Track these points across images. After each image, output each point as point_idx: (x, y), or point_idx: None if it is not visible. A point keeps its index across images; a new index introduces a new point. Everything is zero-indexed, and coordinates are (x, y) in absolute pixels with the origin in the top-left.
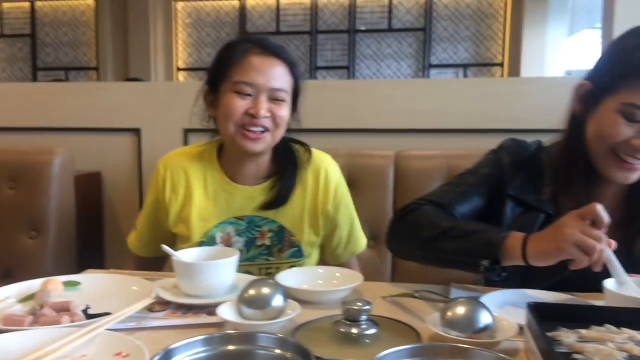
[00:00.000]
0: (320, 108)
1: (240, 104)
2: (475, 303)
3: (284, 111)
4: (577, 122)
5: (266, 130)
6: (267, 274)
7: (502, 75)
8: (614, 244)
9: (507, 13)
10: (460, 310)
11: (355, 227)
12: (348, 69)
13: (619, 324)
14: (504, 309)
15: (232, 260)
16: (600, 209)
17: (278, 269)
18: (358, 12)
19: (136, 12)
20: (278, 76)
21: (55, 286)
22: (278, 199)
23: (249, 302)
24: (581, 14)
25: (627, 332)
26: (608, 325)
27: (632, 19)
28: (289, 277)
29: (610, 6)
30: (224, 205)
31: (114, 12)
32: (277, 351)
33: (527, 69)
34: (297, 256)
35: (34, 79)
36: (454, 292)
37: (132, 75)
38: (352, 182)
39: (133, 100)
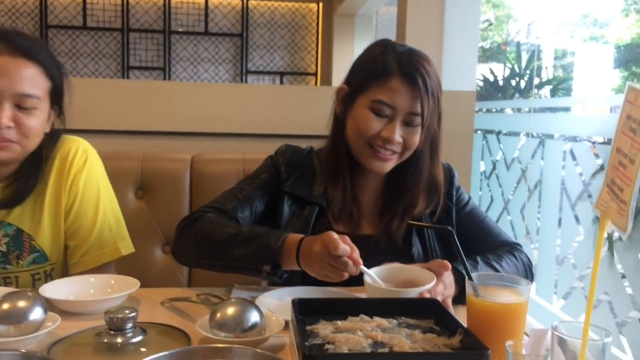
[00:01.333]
0: (114, 109)
1: None
2: (244, 303)
3: (34, 120)
4: (338, 122)
5: (11, 141)
6: (7, 284)
7: (316, 84)
8: (360, 261)
9: (319, 26)
10: (230, 310)
11: (108, 230)
12: (164, 71)
13: (372, 313)
14: (278, 307)
15: None
16: (340, 245)
17: (18, 278)
18: (173, 13)
19: None
20: (27, 80)
21: None
22: (12, 198)
23: (2, 317)
24: (383, 31)
25: (378, 320)
26: (363, 315)
27: (419, 34)
28: (54, 288)
29: (402, 25)
30: None
31: None
32: None
33: (338, 79)
34: (40, 261)
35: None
36: (235, 293)
37: None
38: (147, 186)
39: None
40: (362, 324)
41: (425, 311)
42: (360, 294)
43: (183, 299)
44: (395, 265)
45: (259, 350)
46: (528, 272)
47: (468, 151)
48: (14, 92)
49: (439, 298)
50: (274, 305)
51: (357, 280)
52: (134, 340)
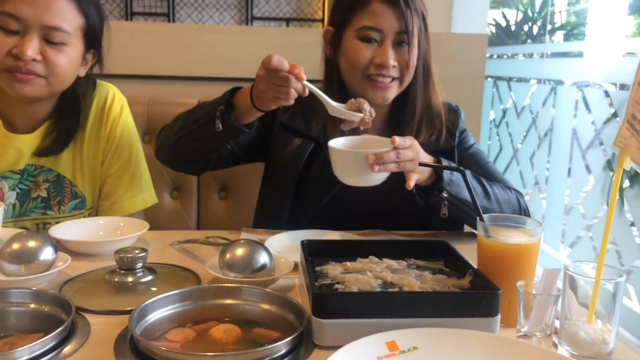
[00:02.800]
0: (120, 52)
1: (2, 42)
2: (253, 244)
3: (63, 58)
4: (330, 63)
5: (38, 75)
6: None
7: None
8: (302, 73)
9: None
10: (239, 252)
11: (139, 179)
12: (168, 16)
13: (381, 255)
14: (286, 249)
15: None
16: (273, 58)
17: (58, 224)
18: None
19: None
20: (56, 12)
21: None
22: (55, 144)
23: (12, 257)
24: None
25: (387, 261)
26: (372, 257)
27: None
28: (64, 229)
29: None
30: None
31: None
32: (32, 306)
33: None
34: (80, 207)
35: None
36: (244, 236)
37: None
38: (154, 131)
39: None
40: (372, 265)
41: (435, 253)
42: (368, 237)
43: (192, 241)
44: (369, 136)
45: (268, 290)
46: (521, 213)
47: (478, 97)
48: (41, 24)
49: (392, 167)
50: (282, 247)
51: (365, 224)
52: (144, 279)
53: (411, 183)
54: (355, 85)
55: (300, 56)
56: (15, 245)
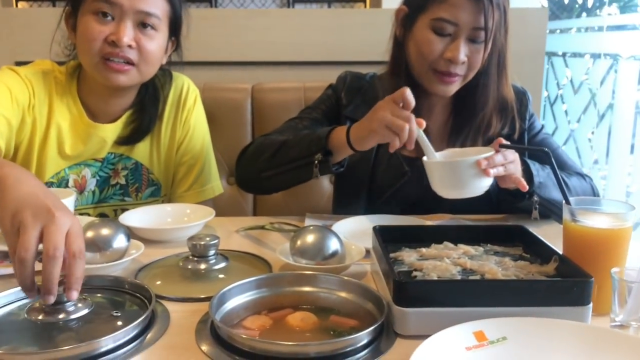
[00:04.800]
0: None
1: (98, 30)
2: (323, 230)
3: (154, 44)
4: (399, 45)
5: (130, 63)
6: None
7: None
8: (424, 123)
9: None
10: (310, 238)
11: (209, 168)
12: (210, 1)
13: (456, 241)
14: (353, 235)
15: (67, 202)
16: (407, 91)
17: (127, 211)
18: None
19: None
20: None
21: None
22: (136, 134)
23: (87, 245)
24: None
25: (463, 247)
26: (447, 243)
27: None
28: (134, 216)
29: None
30: (82, 146)
31: None
32: (116, 291)
33: (389, 1)
34: (156, 194)
35: None
36: (308, 222)
37: None
38: (209, 116)
39: None
40: (448, 251)
41: (512, 238)
42: (436, 221)
43: (257, 227)
44: (453, 149)
45: (345, 278)
46: None
47: (539, 73)
48: (136, 9)
49: (500, 170)
50: (349, 232)
51: (431, 210)
52: (217, 267)
53: (524, 183)
54: (419, 74)
55: (344, 38)
56: (90, 233)
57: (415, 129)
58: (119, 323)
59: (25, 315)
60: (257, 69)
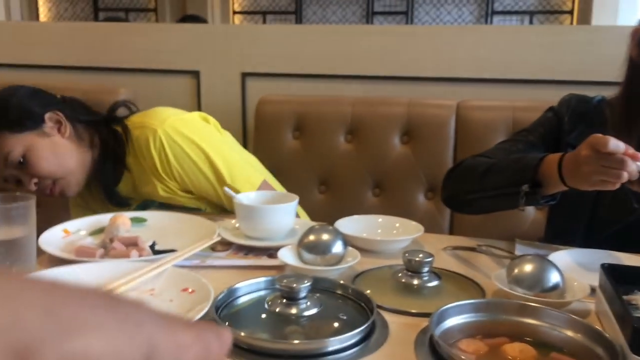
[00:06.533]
0: (379, 54)
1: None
2: (544, 261)
3: (37, 163)
4: (635, 67)
5: (51, 189)
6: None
7: (571, 24)
8: (637, 152)
9: None
10: (529, 267)
11: (231, 171)
12: (406, 15)
13: None
14: (571, 269)
15: (292, 205)
16: (611, 144)
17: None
18: None
19: None
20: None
21: (124, 221)
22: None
23: (310, 247)
24: None
25: None
26: None
27: None
28: (348, 224)
29: None
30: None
31: None
32: (339, 295)
33: (599, 18)
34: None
35: (95, 18)
36: (520, 249)
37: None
38: (412, 131)
39: (192, 42)
40: None
41: None
42: None
43: (466, 248)
44: None
45: (573, 316)
46: None
47: None
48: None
49: None
50: (566, 266)
51: None
52: (430, 284)
53: None
54: None
55: (546, 56)
56: (312, 237)
57: (635, 168)
58: (345, 326)
59: (266, 306)
60: (464, 85)
